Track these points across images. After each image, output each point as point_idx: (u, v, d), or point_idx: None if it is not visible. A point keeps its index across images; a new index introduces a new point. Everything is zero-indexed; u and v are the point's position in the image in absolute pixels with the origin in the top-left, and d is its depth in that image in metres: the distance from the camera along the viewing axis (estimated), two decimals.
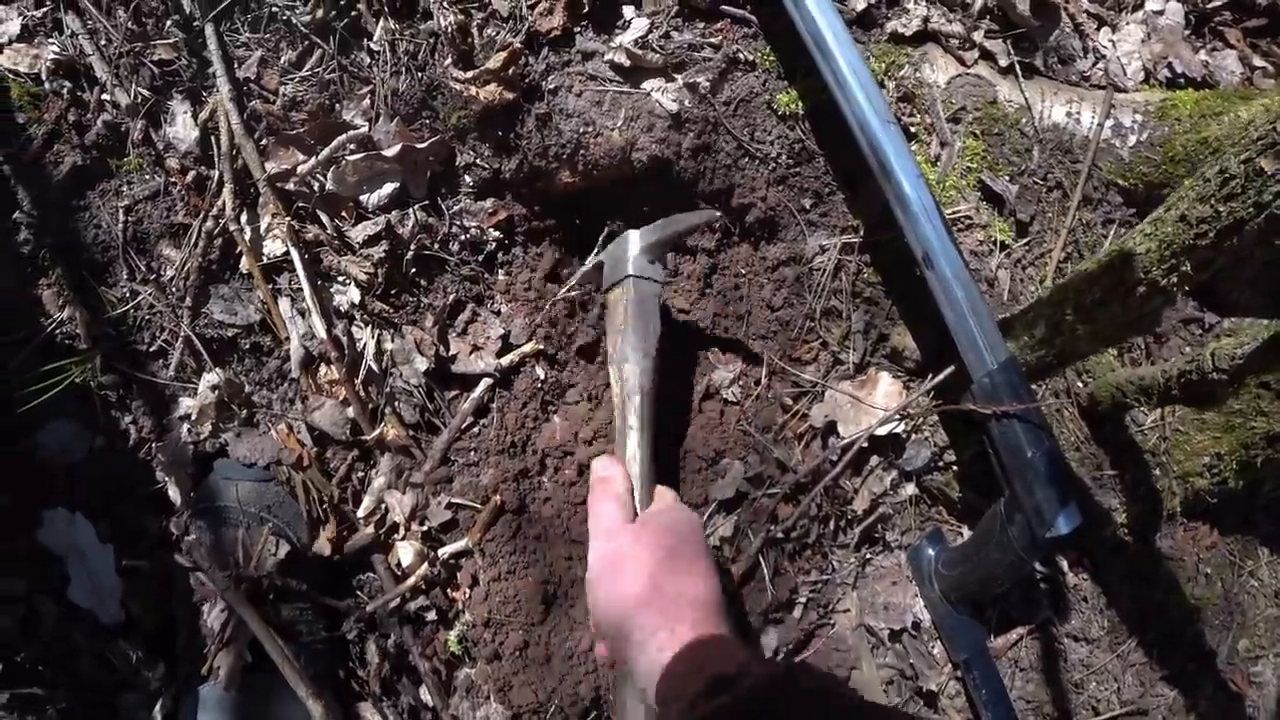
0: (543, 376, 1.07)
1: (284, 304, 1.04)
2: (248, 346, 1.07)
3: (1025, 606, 1.11)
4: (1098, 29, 1.19)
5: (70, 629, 1.08)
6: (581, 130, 1.00)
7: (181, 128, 1.03)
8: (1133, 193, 1.09)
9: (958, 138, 1.06)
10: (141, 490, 1.09)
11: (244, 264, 1.04)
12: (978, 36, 1.09)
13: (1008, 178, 1.06)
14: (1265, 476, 1.11)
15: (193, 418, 1.06)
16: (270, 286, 1.04)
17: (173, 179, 1.03)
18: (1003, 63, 1.09)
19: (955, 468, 1.07)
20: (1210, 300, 1.14)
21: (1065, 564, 1.11)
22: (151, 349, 1.07)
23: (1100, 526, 1.09)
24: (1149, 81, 1.17)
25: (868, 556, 1.11)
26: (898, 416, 1.03)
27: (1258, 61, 1.25)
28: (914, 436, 1.06)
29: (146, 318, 1.06)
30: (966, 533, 1.10)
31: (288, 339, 1.04)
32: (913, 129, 1.06)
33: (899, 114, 1.05)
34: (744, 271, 1.11)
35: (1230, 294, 1.13)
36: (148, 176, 1.04)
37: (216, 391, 1.05)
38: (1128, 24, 1.20)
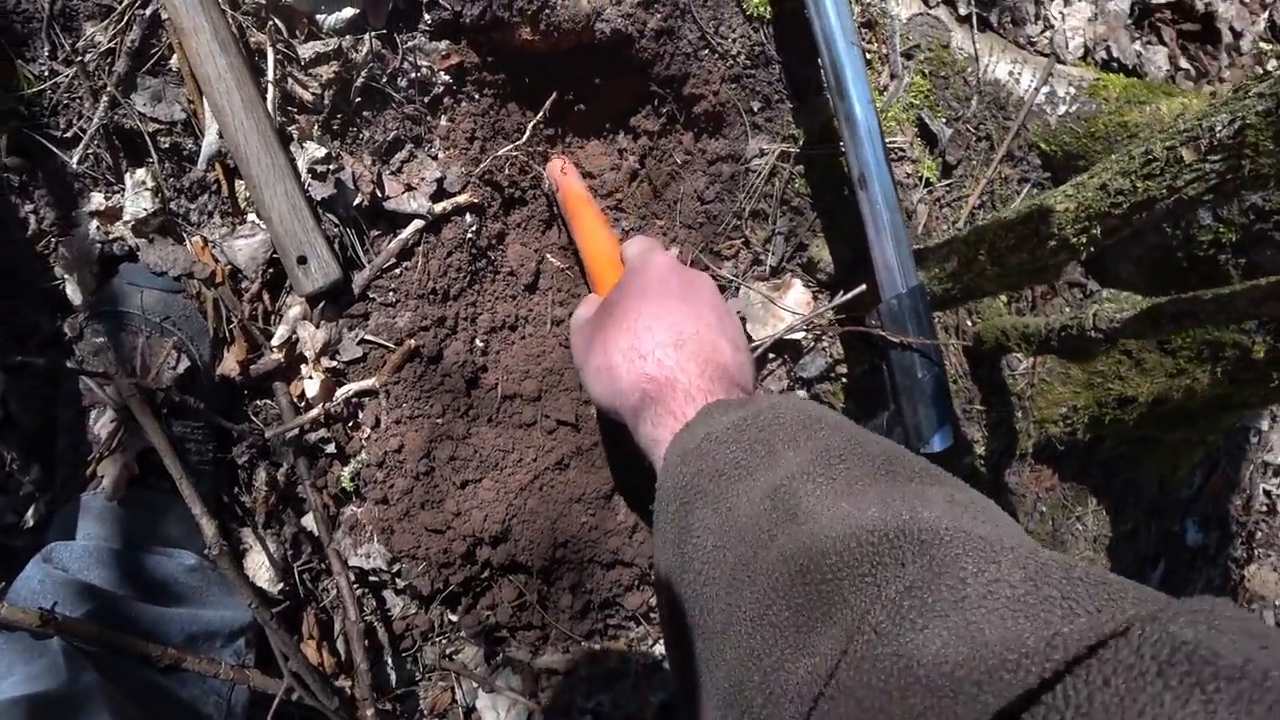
0: (474, 229, 1.07)
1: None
2: (168, 146, 1.03)
3: None
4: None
5: None
6: None
7: None
8: (1051, 158, 1.17)
9: (907, 73, 1.10)
10: (36, 285, 1.04)
11: (175, 60, 0.99)
12: None
13: (945, 120, 1.12)
14: (1108, 434, 1.24)
15: (102, 212, 1.01)
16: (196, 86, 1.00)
17: None
18: (962, 10, 1.14)
19: (844, 381, 1.15)
20: (1096, 270, 1.24)
21: None
22: (66, 135, 1.01)
23: (962, 454, 1.20)
24: (1087, 59, 1.24)
25: None
26: (805, 325, 1.09)
27: (1183, 63, 1.34)
28: (814, 346, 1.13)
29: (64, 101, 1.00)
30: None
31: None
32: (868, 56, 1.09)
33: (859, 38, 1.08)
34: (682, 160, 1.13)
35: (1115, 267, 1.23)
36: None
37: (145, 189, 1.01)
38: (1080, 1, 1.26)
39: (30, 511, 1.04)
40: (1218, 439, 1.45)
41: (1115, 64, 1.24)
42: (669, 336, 0.73)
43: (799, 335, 1.11)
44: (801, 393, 1.17)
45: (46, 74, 0.99)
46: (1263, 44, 1.30)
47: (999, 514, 0.50)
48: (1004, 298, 1.20)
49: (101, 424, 1.01)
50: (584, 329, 0.83)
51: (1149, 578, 1.46)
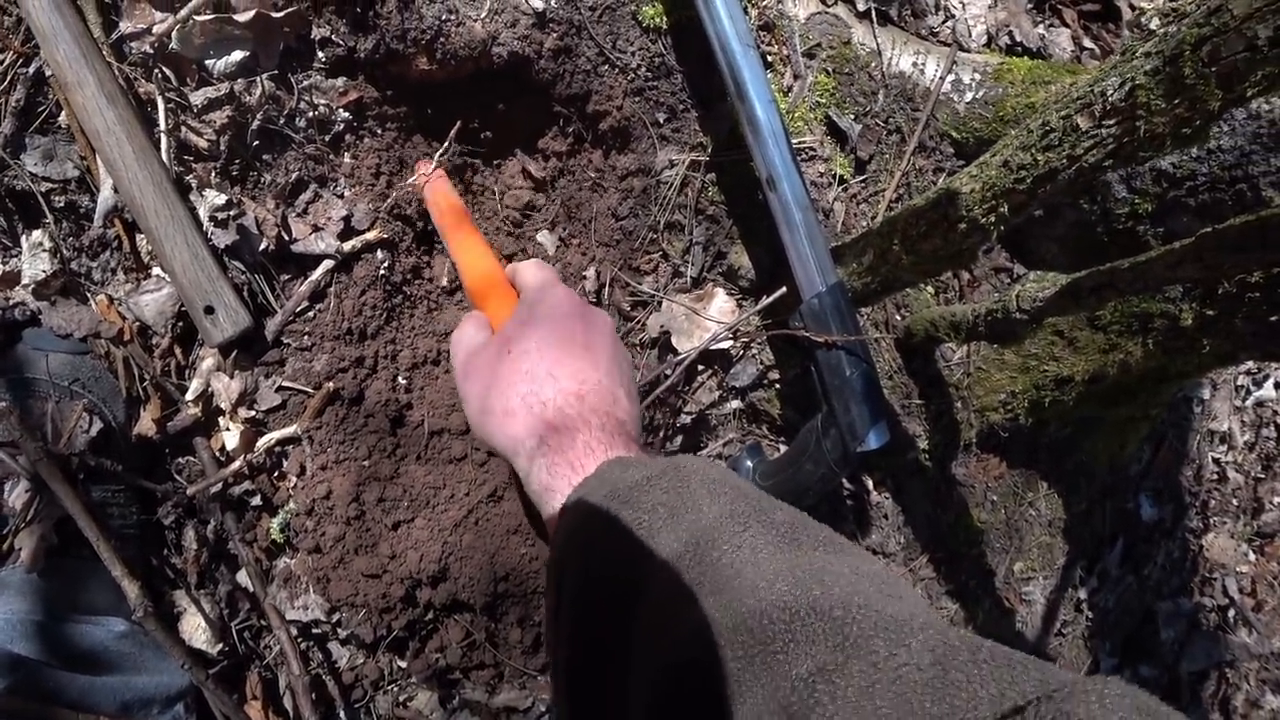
0: (386, 265, 1.05)
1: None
2: (63, 204, 1.00)
3: (832, 520, 1.20)
4: None
5: None
6: (444, 17, 0.98)
7: None
8: (964, 145, 1.17)
9: (811, 72, 1.10)
10: None
11: (63, 117, 0.97)
12: None
13: (853, 116, 1.12)
14: (1051, 417, 1.24)
15: (0, 278, 0.99)
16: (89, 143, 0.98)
17: None
18: (860, 7, 1.14)
19: (778, 387, 1.14)
20: (1021, 253, 1.25)
21: (870, 483, 1.21)
22: None
23: (904, 450, 1.19)
24: (990, 45, 1.25)
25: None
26: (730, 334, 1.08)
27: (1087, 43, 1.36)
28: (743, 354, 1.12)
29: None
30: (784, 448, 1.17)
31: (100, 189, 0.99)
32: (770, 58, 1.10)
33: (758, 41, 1.08)
34: (592, 178, 1.12)
35: (1039, 248, 1.24)
36: None
37: (42, 250, 0.98)
38: None
39: None
40: (1160, 411, 1.45)
41: (1019, 48, 1.25)
42: (572, 385, 0.72)
43: (727, 344, 1.10)
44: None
45: None
46: (1143, 3, 1.32)
47: (905, 587, 0.50)
48: (931, 289, 1.20)
49: (15, 495, 0.98)
50: (475, 358, 0.79)
51: (1107, 557, 1.46)
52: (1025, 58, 1.22)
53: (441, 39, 0.99)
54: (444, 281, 1.11)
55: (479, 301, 0.93)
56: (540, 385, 0.72)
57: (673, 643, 0.50)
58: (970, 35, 1.22)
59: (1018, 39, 1.26)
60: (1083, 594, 1.44)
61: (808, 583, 0.47)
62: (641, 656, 0.53)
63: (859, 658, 0.41)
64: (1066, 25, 1.35)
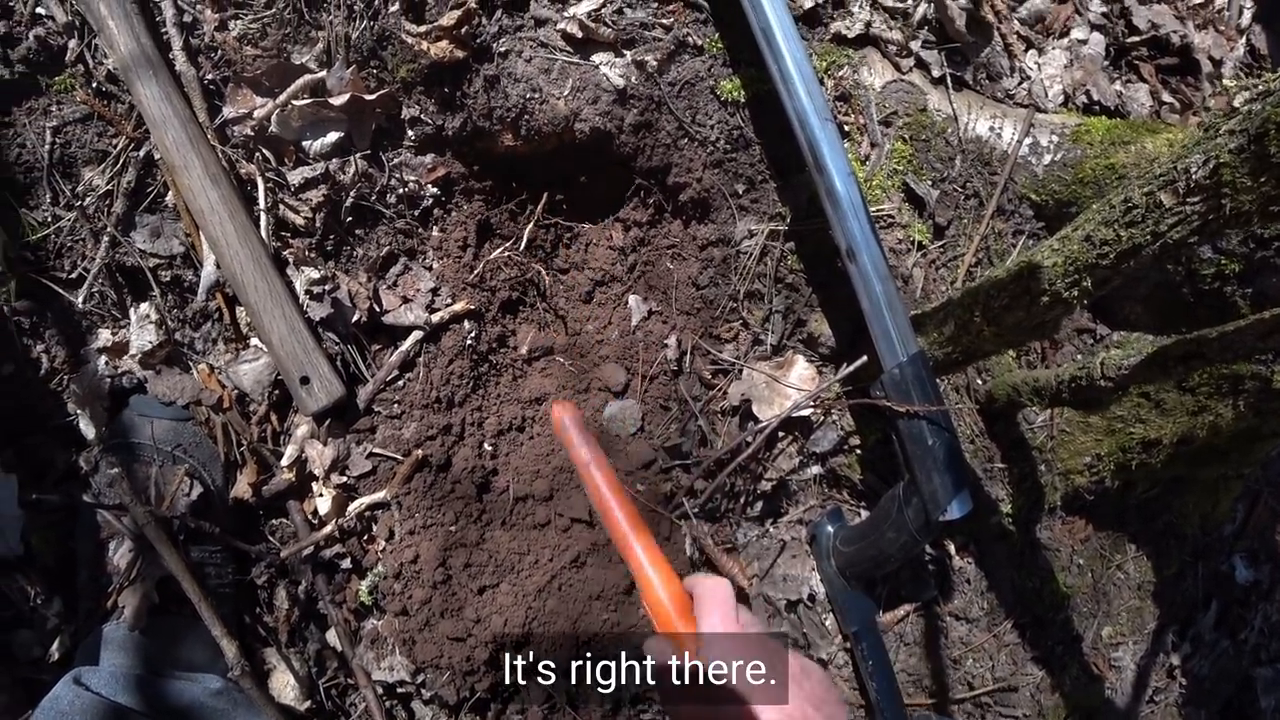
0: (473, 335, 1.08)
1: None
2: (169, 279, 1.06)
3: (914, 585, 1.18)
4: (1025, 51, 1.26)
5: None
6: (528, 95, 1.02)
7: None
8: (1043, 208, 1.16)
9: (887, 140, 1.11)
10: (51, 422, 1.06)
11: (170, 197, 1.03)
12: (915, 46, 1.14)
13: (930, 182, 1.12)
14: (1138, 479, 1.21)
15: (110, 348, 1.04)
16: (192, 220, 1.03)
17: (104, 102, 1.01)
18: (935, 73, 1.15)
19: (858, 452, 1.14)
20: (1104, 314, 1.23)
21: (952, 548, 1.19)
22: (71, 276, 1.04)
23: (987, 514, 1.17)
24: (1067, 105, 1.25)
25: (770, 530, 1.17)
26: (811, 402, 1.08)
27: (1166, 97, 1.34)
28: (823, 420, 1.12)
29: (68, 244, 1.04)
30: (865, 513, 1.17)
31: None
32: (846, 128, 1.11)
33: (835, 112, 1.09)
34: (672, 248, 1.14)
35: (1122, 309, 1.22)
36: (79, 98, 1.01)
37: (149, 321, 1.04)
38: (1053, 49, 1.27)
39: (55, 644, 1.05)
40: (1254, 470, 1.40)
41: (1097, 107, 1.24)
42: None
43: (808, 411, 1.10)
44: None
45: (49, 220, 1.03)
46: (1227, 83, 1.30)
47: None
48: (1012, 353, 1.18)
49: (120, 554, 1.02)
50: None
51: (1200, 621, 1.40)
52: (1103, 116, 1.21)
53: (526, 116, 1.03)
54: (523, 350, 1.14)
55: (659, 618, 0.78)
56: None
57: None
58: (1047, 96, 1.21)
59: (1095, 97, 1.25)
60: (1175, 660, 1.38)
61: None
62: None
63: None
64: (1144, 80, 1.33)
